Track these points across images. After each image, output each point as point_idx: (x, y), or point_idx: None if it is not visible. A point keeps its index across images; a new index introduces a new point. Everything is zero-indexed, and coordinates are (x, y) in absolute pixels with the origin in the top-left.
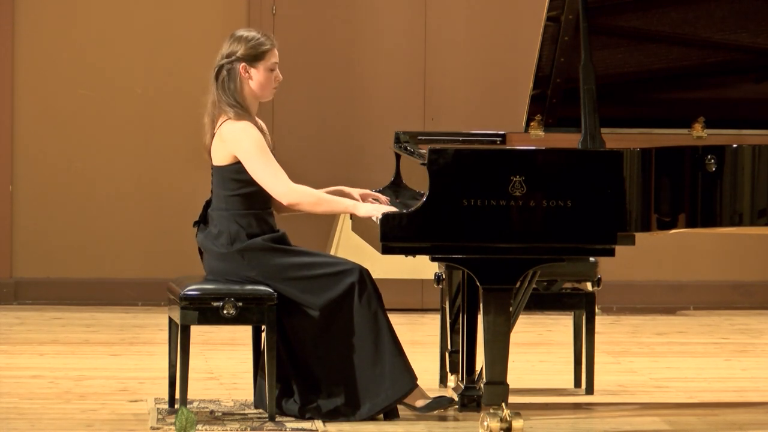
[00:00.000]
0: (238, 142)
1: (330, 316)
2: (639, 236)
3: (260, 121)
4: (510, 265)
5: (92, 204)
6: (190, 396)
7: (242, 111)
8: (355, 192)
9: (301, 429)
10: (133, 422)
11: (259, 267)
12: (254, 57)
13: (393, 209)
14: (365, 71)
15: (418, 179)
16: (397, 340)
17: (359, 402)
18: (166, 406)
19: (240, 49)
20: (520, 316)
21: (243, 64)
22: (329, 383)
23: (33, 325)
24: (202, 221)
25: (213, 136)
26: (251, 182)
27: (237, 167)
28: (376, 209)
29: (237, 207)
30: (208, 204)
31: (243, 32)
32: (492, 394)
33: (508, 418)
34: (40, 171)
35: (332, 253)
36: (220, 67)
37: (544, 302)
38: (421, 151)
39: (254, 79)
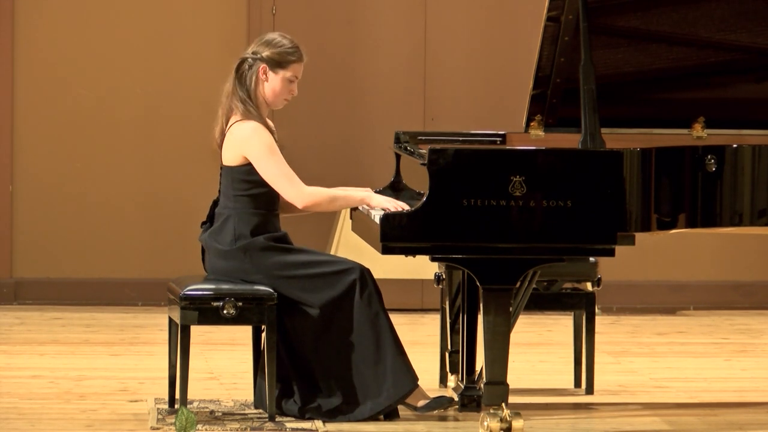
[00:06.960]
0: (248, 143)
1: (330, 315)
2: (639, 236)
3: (270, 122)
4: (510, 265)
5: (92, 204)
6: (190, 396)
7: (252, 108)
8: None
9: (301, 429)
10: (133, 422)
11: (260, 265)
12: (277, 63)
13: (404, 205)
14: (365, 71)
15: (418, 179)
16: (399, 339)
17: (360, 401)
18: (166, 406)
19: (266, 51)
20: (520, 316)
21: (264, 65)
22: (330, 382)
23: (33, 325)
24: (209, 221)
25: (224, 135)
26: (260, 183)
27: (247, 168)
28: (389, 201)
29: (244, 206)
30: (215, 204)
31: (275, 36)
32: (492, 394)
33: (508, 418)
34: (40, 171)
35: (332, 253)
36: (243, 60)
37: (544, 302)
38: (421, 151)
39: (270, 83)
